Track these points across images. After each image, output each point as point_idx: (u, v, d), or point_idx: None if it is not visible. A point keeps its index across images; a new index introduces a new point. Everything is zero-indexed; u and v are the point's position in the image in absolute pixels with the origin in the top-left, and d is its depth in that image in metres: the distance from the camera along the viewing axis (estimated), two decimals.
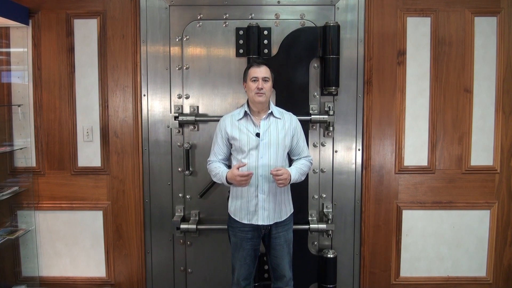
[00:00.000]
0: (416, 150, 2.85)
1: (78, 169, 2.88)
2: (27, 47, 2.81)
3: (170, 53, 2.79)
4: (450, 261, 2.92)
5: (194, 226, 2.78)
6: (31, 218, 2.90)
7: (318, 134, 2.84)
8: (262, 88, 2.21)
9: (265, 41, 2.74)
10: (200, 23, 2.78)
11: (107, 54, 2.81)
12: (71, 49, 2.82)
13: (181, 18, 2.78)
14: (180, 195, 2.87)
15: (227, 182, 2.25)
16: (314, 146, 2.84)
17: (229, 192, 2.44)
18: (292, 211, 2.42)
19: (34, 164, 2.88)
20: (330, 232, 2.82)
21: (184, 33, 2.78)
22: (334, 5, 2.77)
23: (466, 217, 2.89)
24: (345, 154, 2.85)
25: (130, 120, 2.85)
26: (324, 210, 2.85)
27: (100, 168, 2.88)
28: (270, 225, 2.31)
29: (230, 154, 2.37)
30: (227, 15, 2.77)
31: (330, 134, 2.82)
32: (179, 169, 2.85)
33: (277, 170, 2.16)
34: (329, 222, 2.78)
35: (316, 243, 2.91)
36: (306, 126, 2.77)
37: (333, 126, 2.78)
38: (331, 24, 2.68)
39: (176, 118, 2.77)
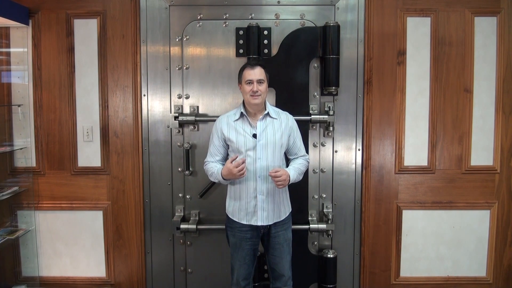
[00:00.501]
0: (416, 150, 2.85)
1: (78, 169, 2.88)
2: (27, 47, 2.81)
3: (170, 53, 2.79)
4: (450, 261, 2.92)
5: (194, 226, 2.78)
6: (31, 218, 2.90)
7: (318, 134, 2.84)
8: (257, 91, 2.21)
9: (265, 41, 2.74)
10: (200, 23, 2.78)
11: (107, 54, 2.81)
12: (71, 49, 2.82)
13: (181, 18, 2.78)
14: (180, 195, 2.87)
15: (224, 179, 2.25)
16: (314, 146, 2.84)
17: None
18: (290, 210, 2.43)
19: (34, 164, 2.88)
20: (330, 232, 2.82)
21: (184, 33, 2.78)
22: (334, 5, 2.77)
23: (466, 217, 2.89)
24: (345, 154, 2.85)
25: (130, 120, 2.85)
26: (324, 210, 2.85)
27: (100, 168, 2.88)
28: (270, 225, 2.31)
29: (228, 154, 2.36)
30: (227, 15, 2.77)
31: (330, 134, 2.82)
32: (179, 169, 2.85)
33: (275, 172, 2.16)
34: (329, 222, 2.78)
35: (316, 243, 2.92)
36: (306, 126, 2.77)
37: (333, 126, 2.78)
38: (331, 24, 2.68)
39: (176, 118, 2.77)
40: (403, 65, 2.79)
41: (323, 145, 2.85)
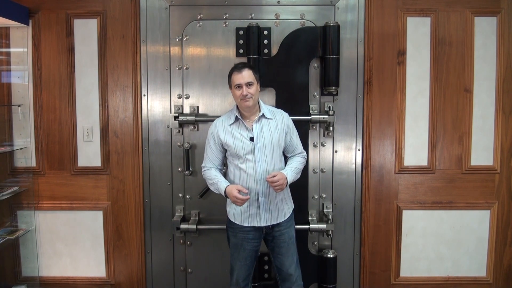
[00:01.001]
0: (416, 150, 2.85)
1: (78, 169, 2.88)
2: (27, 47, 2.81)
3: (170, 53, 2.79)
4: (450, 261, 2.92)
5: (194, 226, 2.78)
6: (31, 218, 2.90)
7: (318, 134, 2.84)
8: (247, 94, 2.18)
9: (265, 41, 2.74)
10: (200, 23, 2.78)
11: (107, 54, 2.81)
12: (71, 49, 2.82)
13: (181, 18, 2.78)
14: (180, 195, 2.87)
15: (225, 195, 2.24)
16: (314, 146, 2.84)
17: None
18: (293, 207, 2.42)
19: (34, 164, 2.88)
20: (330, 232, 2.82)
21: (184, 33, 2.78)
22: (334, 5, 2.77)
23: (466, 217, 2.89)
24: (345, 154, 2.85)
25: (130, 120, 2.85)
26: (324, 210, 2.85)
27: (100, 168, 2.88)
28: (273, 225, 2.31)
29: (226, 158, 2.35)
30: (227, 15, 2.77)
31: (330, 134, 2.82)
32: (179, 169, 2.85)
33: (272, 177, 2.13)
34: (329, 222, 2.78)
35: (316, 243, 2.91)
36: (306, 126, 2.77)
37: (333, 126, 2.78)
38: (331, 24, 2.68)
39: (176, 118, 2.77)
40: (403, 65, 2.79)
41: (323, 145, 2.85)
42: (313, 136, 2.84)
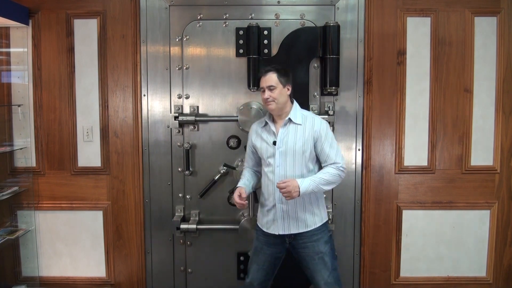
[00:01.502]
0: (416, 150, 2.85)
1: (78, 169, 2.88)
2: (27, 47, 2.81)
3: (170, 53, 2.79)
4: (450, 261, 2.92)
5: (194, 226, 2.78)
6: (31, 218, 2.90)
7: None
8: (268, 98, 2.19)
9: (265, 41, 2.74)
10: (200, 23, 2.78)
11: (107, 54, 2.81)
12: (71, 49, 2.82)
13: (181, 18, 2.78)
14: (180, 195, 2.87)
15: None
16: None
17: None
18: (322, 222, 2.27)
19: (34, 164, 2.88)
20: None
21: (184, 33, 2.78)
22: (334, 5, 2.77)
23: (466, 217, 2.89)
24: (345, 154, 2.84)
25: (130, 120, 2.85)
26: None
27: (100, 168, 2.88)
28: (294, 235, 2.24)
29: (260, 159, 2.36)
30: (227, 15, 2.77)
31: None
32: (179, 169, 2.85)
33: (282, 182, 2.10)
34: (329, 222, 2.78)
35: None
36: None
37: (333, 126, 2.77)
38: (331, 24, 2.67)
39: (176, 118, 2.77)
40: (403, 65, 2.79)
41: None
42: None
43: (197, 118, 2.77)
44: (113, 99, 2.84)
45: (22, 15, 2.73)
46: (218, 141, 2.83)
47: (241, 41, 2.74)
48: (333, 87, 2.71)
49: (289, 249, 2.30)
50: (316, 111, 2.79)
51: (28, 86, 2.83)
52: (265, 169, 2.26)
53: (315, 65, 2.79)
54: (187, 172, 2.81)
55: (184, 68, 2.80)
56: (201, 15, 2.77)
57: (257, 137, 2.31)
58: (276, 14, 2.77)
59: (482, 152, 2.84)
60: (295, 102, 2.31)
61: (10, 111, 2.84)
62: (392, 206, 2.87)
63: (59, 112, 2.85)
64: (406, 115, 2.82)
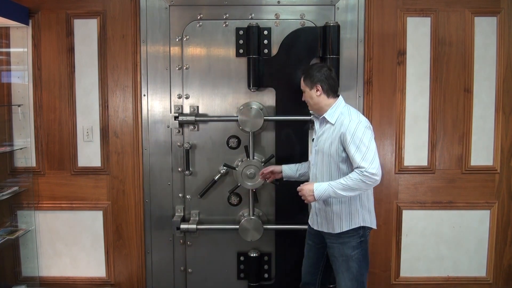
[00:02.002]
0: (416, 150, 2.85)
1: (78, 169, 2.88)
2: (27, 47, 2.81)
3: (170, 53, 2.79)
4: (450, 261, 2.92)
5: (194, 226, 2.78)
6: (31, 218, 2.90)
7: None
8: (304, 101, 2.31)
9: (265, 41, 2.73)
10: (200, 23, 2.78)
11: (107, 54, 2.80)
12: (71, 49, 2.82)
13: (181, 18, 2.78)
14: (180, 195, 2.87)
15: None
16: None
17: None
18: (351, 227, 2.18)
19: (34, 164, 2.88)
20: None
21: (184, 33, 2.78)
22: (334, 5, 2.77)
23: (466, 217, 2.89)
24: None
25: (130, 120, 2.85)
26: None
27: (100, 168, 2.88)
28: (325, 233, 2.26)
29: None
30: (227, 15, 2.77)
31: None
32: (179, 169, 2.85)
33: (299, 186, 2.17)
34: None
35: None
36: (306, 126, 2.77)
37: None
38: (331, 24, 2.67)
39: (176, 118, 2.76)
40: (403, 65, 2.79)
41: None
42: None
43: (197, 118, 2.77)
44: (113, 99, 2.84)
45: (22, 15, 2.72)
46: (218, 141, 2.82)
47: (241, 41, 2.74)
48: None
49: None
50: None
51: (28, 86, 2.83)
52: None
53: None
54: (187, 172, 2.81)
55: (184, 68, 2.80)
56: (201, 15, 2.77)
57: (312, 131, 2.43)
58: (276, 14, 2.77)
59: (482, 152, 2.84)
60: (339, 99, 2.23)
61: (10, 111, 2.84)
62: (392, 206, 2.87)
63: (59, 112, 2.85)
64: (406, 115, 2.82)
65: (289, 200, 2.67)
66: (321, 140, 2.22)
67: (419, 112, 2.82)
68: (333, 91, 2.22)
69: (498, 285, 2.93)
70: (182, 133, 2.83)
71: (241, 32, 2.74)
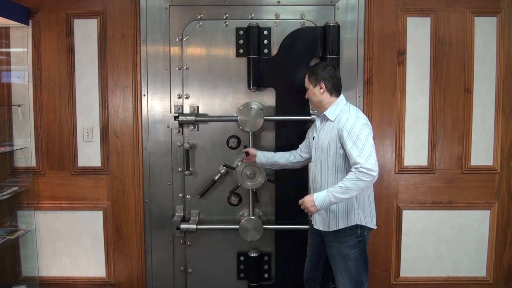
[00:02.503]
0: (416, 150, 2.85)
1: (78, 169, 2.88)
2: (27, 47, 2.81)
3: (170, 53, 2.79)
4: (450, 261, 2.92)
5: (194, 226, 2.78)
6: (31, 218, 2.90)
7: None
8: (307, 98, 2.35)
9: (265, 41, 2.74)
10: (200, 23, 2.78)
11: (107, 54, 2.81)
12: (71, 49, 2.82)
13: (181, 18, 2.78)
14: (180, 195, 2.87)
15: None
16: None
17: None
18: (347, 225, 2.18)
19: (34, 164, 2.88)
20: None
21: (184, 33, 2.78)
22: (334, 5, 2.77)
23: (466, 217, 2.89)
24: None
25: (130, 120, 2.85)
26: None
27: (100, 168, 2.88)
28: (324, 231, 2.27)
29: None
30: (227, 15, 2.77)
31: None
32: (179, 169, 2.85)
33: (300, 201, 2.18)
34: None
35: None
36: (306, 126, 2.76)
37: None
38: (331, 24, 2.67)
39: (176, 118, 2.76)
40: (403, 65, 2.79)
41: None
42: None
43: (197, 118, 2.77)
44: (113, 99, 2.84)
45: (22, 15, 2.72)
46: (218, 141, 2.82)
47: (241, 41, 2.74)
48: None
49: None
50: (316, 111, 2.78)
51: (28, 86, 2.83)
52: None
53: None
54: (187, 172, 2.81)
55: (184, 68, 2.80)
56: (201, 15, 2.77)
57: (312, 129, 2.42)
58: (276, 14, 2.77)
59: (482, 152, 2.84)
60: (340, 98, 2.27)
61: (10, 111, 2.84)
62: (392, 206, 2.87)
63: (59, 112, 2.85)
64: (406, 115, 2.82)
65: (289, 200, 2.66)
66: (319, 138, 2.26)
67: (419, 112, 2.82)
68: (336, 89, 2.27)
69: (498, 285, 2.93)
70: (182, 133, 2.83)
71: (241, 32, 2.74)
